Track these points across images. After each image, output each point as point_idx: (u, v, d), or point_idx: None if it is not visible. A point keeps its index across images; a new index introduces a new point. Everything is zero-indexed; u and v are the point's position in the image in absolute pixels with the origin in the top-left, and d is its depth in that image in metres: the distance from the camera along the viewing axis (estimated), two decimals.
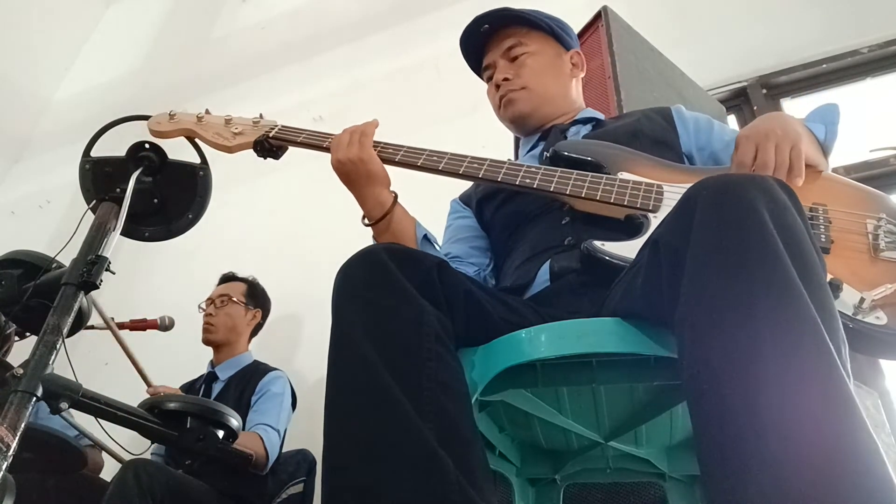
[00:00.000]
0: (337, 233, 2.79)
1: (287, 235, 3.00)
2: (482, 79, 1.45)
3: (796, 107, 2.43)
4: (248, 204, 3.16)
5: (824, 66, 2.38)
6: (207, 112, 1.34)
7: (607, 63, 1.78)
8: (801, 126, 1.07)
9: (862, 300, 0.85)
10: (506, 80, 1.34)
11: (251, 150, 1.30)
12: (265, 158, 1.32)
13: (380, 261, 0.84)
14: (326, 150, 1.23)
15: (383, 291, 0.82)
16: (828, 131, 1.12)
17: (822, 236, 0.96)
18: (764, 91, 2.43)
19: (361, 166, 1.14)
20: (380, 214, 1.16)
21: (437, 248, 1.26)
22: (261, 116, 1.33)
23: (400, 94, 3.14)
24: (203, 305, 2.38)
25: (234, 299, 2.34)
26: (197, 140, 1.33)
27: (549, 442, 1.12)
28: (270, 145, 1.29)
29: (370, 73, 3.38)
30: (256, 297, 2.42)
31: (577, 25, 1.97)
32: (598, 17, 1.91)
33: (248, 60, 3.81)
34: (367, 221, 1.19)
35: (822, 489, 0.52)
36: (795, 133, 1.01)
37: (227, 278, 2.45)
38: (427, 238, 1.23)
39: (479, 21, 1.37)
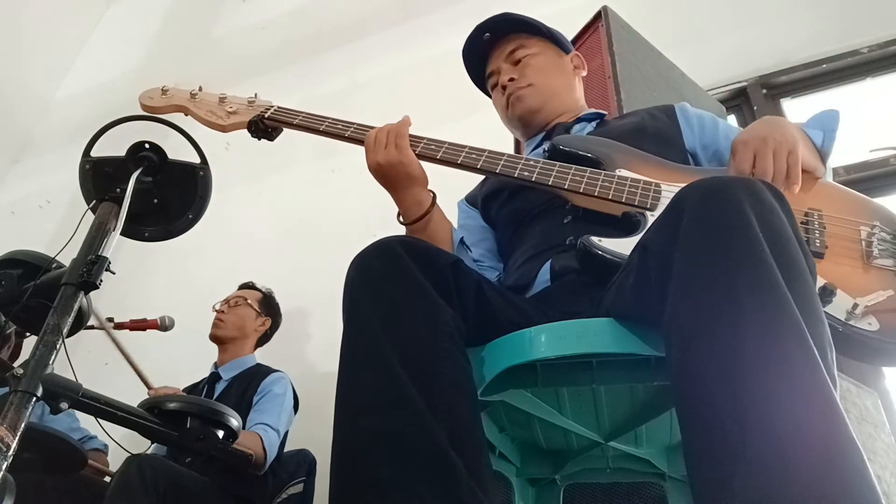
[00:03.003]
0: (338, 232, 2.80)
1: (288, 235, 3.00)
2: (485, 90, 1.46)
3: (796, 107, 2.43)
4: (248, 204, 3.16)
5: (824, 66, 2.38)
6: (201, 89, 1.33)
7: (607, 63, 1.78)
8: (798, 131, 1.07)
9: (855, 305, 0.85)
10: (511, 80, 1.35)
11: (247, 133, 1.30)
12: (259, 139, 1.30)
13: (396, 254, 0.84)
14: (322, 133, 1.23)
15: (400, 285, 0.82)
16: (825, 137, 1.11)
17: (817, 241, 0.96)
18: (764, 91, 2.43)
19: (401, 168, 1.11)
20: (418, 215, 1.15)
21: (471, 253, 1.26)
22: (255, 96, 1.32)
23: (400, 95, 3.14)
24: (217, 305, 2.42)
25: (249, 302, 2.40)
26: (191, 116, 1.32)
27: (549, 442, 1.12)
28: (265, 126, 1.28)
29: (370, 73, 3.38)
30: (270, 307, 2.48)
31: (577, 25, 1.98)
32: (598, 17, 1.91)
33: (248, 60, 3.80)
34: (402, 220, 1.17)
35: (804, 492, 0.52)
36: (792, 138, 1.00)
37: (247, 286, 2.51)
38: (463, 243, 1.23)
39: (480, 29, 1.38)
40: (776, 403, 0.57)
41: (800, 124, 1.13)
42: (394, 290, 0.81)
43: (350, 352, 0.80)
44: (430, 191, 1.17)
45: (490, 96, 1.47)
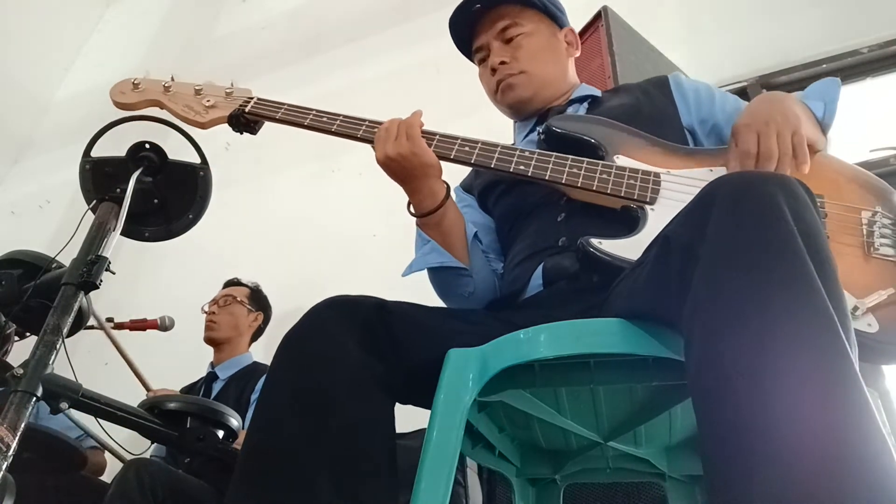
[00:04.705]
0: (338, 232, 2.81)
1: (288, 235, 3.00)
2: (472, 60, 1.40)
3: None
4: (248, 204, 3.16)
5: (824, 66, 2.37)
6: (173, 79, 1.26)
7: (607, 63, 1.78)
8: (799, 106, 1.05)
9: (856, 308, 0.84)
10: (503, 63, 1.28)
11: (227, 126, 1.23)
12: (241, 133, 1.24)
13: (321, 327, 0.88)
14: (307, 127, 1.18)
15: (321, 364, 0.85)
16: (826, 109, 1.09)
17: None
18: (764, 91, 2.43)
19: (414, 159, 1.07)
20: (432, 206, 1.10)
21: (482, 245, 1.23)
22: (232, 85, 1.25)
23: (400, 94, 3.14)
24: (206, 307, 2.41)
25: (238, 299, 2.39)
26: (166, 111, 1.25)
27: (548, 442, 1.12)
28: (247, 119, 1.22)
29: (370, 73, 3.38)
30: (259, 300, 2.47)
31: (577, 25, 1.97)
32: (598, 17, 1.91)
33: (249, 60, 3.80)
34: (413, 211, 1.12)
35: (829, 486, 0.51)
36: (795, 117, 0.98)
37: (232, 283, 2.50)
38: (477, 237, 1.20)
39: (471, 0, 1.30)
40: (808, 399, 0.55)
41: (799, 95, 1.11)
42: (312, 372, 0.85)
43: (259, 416, 0.89)
44: (444, 182, 1.13)
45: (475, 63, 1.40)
